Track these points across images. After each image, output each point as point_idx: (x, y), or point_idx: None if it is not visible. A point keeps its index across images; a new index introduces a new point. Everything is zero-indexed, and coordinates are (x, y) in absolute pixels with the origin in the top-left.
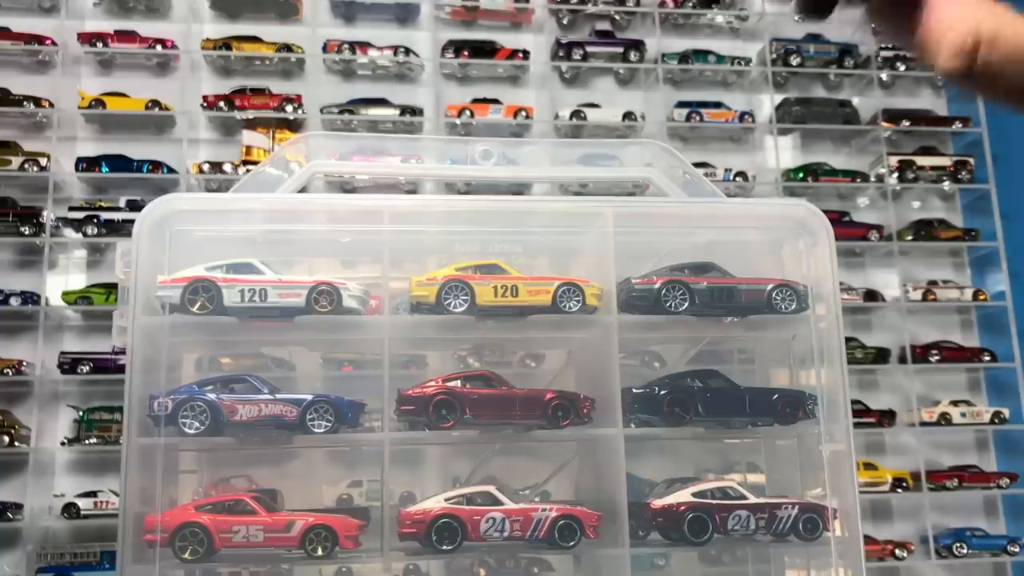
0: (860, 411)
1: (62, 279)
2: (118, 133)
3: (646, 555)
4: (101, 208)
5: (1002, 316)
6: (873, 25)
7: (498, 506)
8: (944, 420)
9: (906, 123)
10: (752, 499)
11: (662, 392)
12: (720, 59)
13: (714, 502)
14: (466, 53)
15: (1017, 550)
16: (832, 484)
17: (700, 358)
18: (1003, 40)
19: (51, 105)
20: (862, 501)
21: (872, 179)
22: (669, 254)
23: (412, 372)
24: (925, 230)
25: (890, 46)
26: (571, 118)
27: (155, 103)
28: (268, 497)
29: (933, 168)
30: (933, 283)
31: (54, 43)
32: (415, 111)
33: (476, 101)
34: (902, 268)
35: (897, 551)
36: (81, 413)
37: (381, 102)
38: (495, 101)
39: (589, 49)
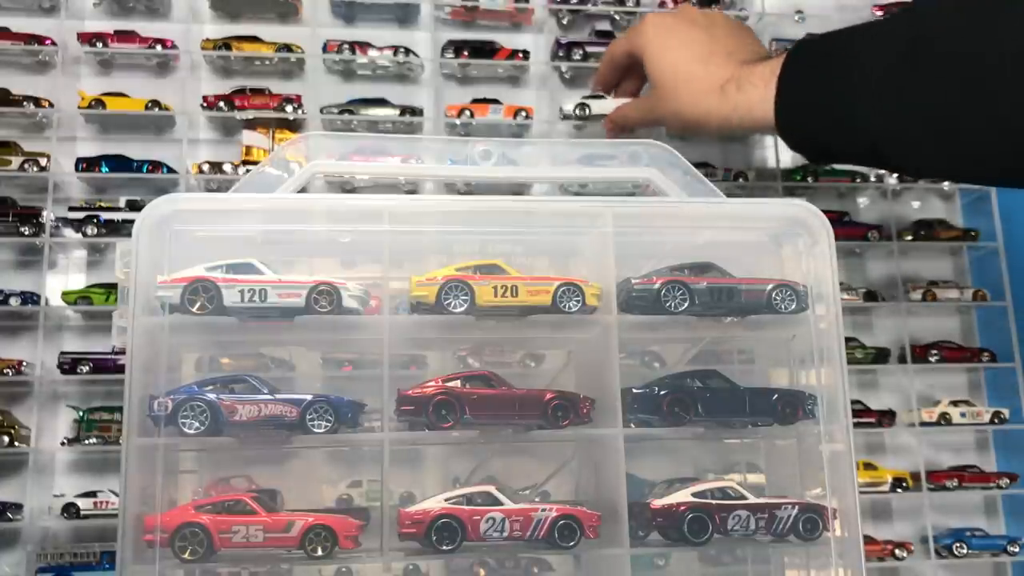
0: (860, 411)
1: (62, 279)
2: (118, 133)
3: (646, 555)
4: (101, 208)
5: (1002, 316)
6: None
7: (498, 506)
8: (944, 420)
9: None
10: (752, 499)
11: (662, 392)
12: None
13: (714, 502)
14: (466, 53)
15: (1017, 550)
16: (832, 484)
17: (700, 358)
18: (618, 119)
19: (51, 105)
20: (862, 501)
21: (872, 179)
22: (669, 254)
23: (412, 372)
24: (925, 230)
25: None
26: (575, 110)
27: (155, 103)
28: (268, 497)
29: None
30: (933, 283)
31: (54, 43)
32: (415, 111)
33: (476, 101)
34: (902, 268)
35: (897, 551)
36: (81, 413)
37: (381, 102)
38: (495, 101)
39: (589, 49)
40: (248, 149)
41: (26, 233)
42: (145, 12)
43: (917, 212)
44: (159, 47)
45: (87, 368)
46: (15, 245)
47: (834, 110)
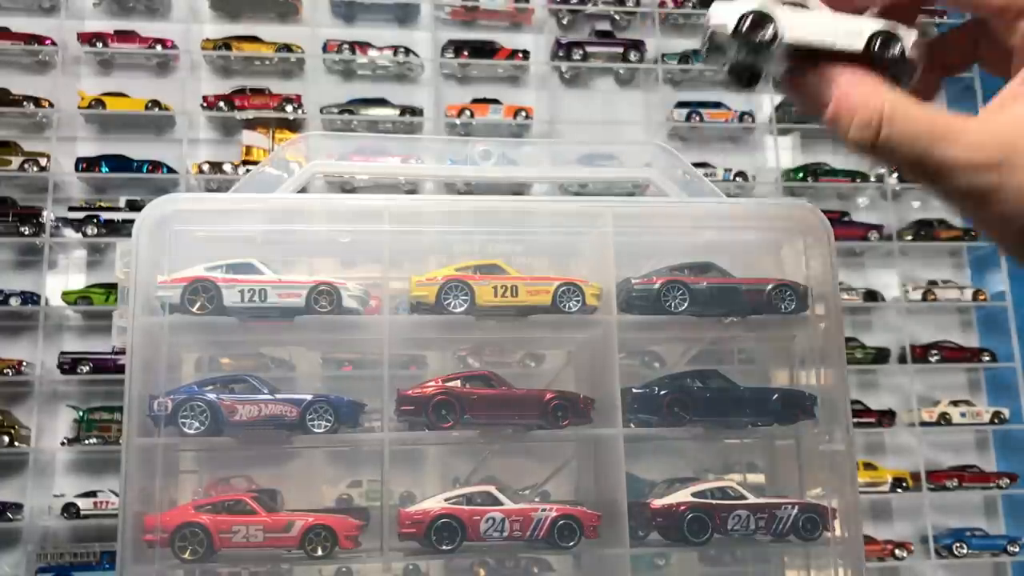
0: (860, 411)
1: (62, 279)
2: (118, 133)
3: (646, 555)
4: (101, 208)
5: (1002, 316)
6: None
7: (498, 506)
8: (944, 420)
9: None
10: (752, 499)
11: (662, 392)
12: None
13: (714, 502)
14: (466, 53)
15: (1017, 550)
16: (832, 484)
17: (700, 358)
18: (899, 120)
19: (51, 105)
20: (862, 501)
21: (872, 179)
22: (669, 254)
23: (412, 372)
24: (925, 230)
25: None
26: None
27: (155, 103)
28: (268, 497)
29: None
30: (933, 283)
31: (54, 43)
32: (415, 111)
33: (476, 101)
34: (902, 268)
35: (897, 551)
36: (81, 413)
37: (381, 102)
38: (495, 101)
39: (589, 49)
40: (248, 149)
41: (26, 233)
42: (145, 12)
43: (917, 212)
44: (159, 47)
45: (87, 368)
46: (15, 245)
47: None
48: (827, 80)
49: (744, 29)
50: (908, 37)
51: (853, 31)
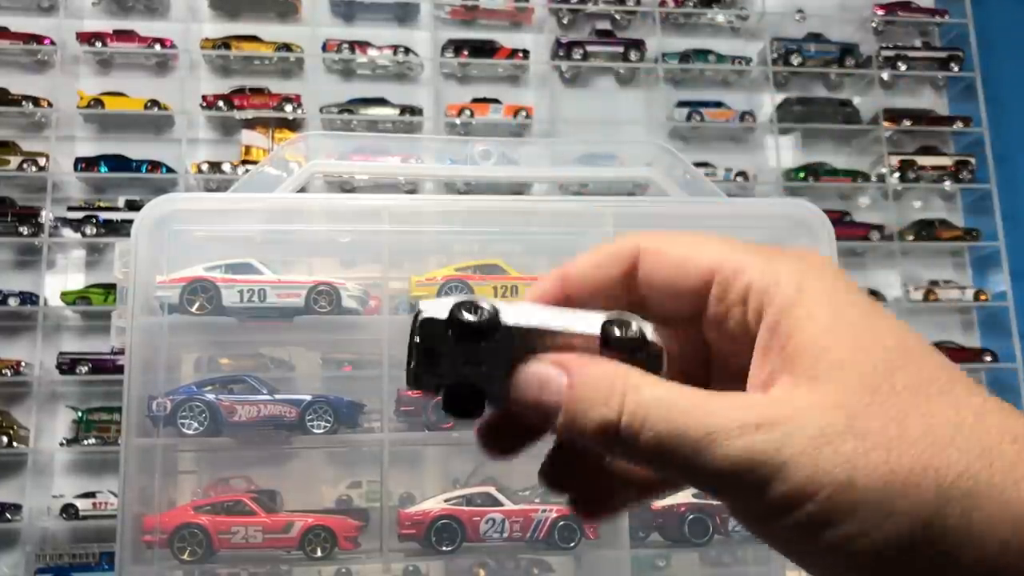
0: None
1: (61, 279)
2: (117, 133)
3: (646, 556)
4: (100, 208)
5: (1003, 316)
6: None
7: (498, 507)
8: None
9: (907, 123)
10: None
11: None
12: (720, 58)
13: (715, 502)
14: (466, 53)
15: None
16: None
17: None
18: (651, 423)
19: (50, 105)
20: None
21: (873, 179)
22: None
23: None
24: (926, 230)
25: (891, 46)
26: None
27: (154, 103)
28: (267, 498)
29: (934, 168)
30: (934, 283)
31: (53, 43)
32: (415, 111)
33: (476, 101)
34: (903, 268)
35: None
36: (80, 414)
37: (381, 102)
38: (495, 101)
39: (589, 49)
40: (247, 149)
41: (25, 233)
42: (144, 11)
43: (918, 212)
44: (158, 46)
45: (86, 368)
46: (14, 245)
47: None
48: (557, 365)
49: (460, 317)
50: (645, 323)
51: (582, 320)
